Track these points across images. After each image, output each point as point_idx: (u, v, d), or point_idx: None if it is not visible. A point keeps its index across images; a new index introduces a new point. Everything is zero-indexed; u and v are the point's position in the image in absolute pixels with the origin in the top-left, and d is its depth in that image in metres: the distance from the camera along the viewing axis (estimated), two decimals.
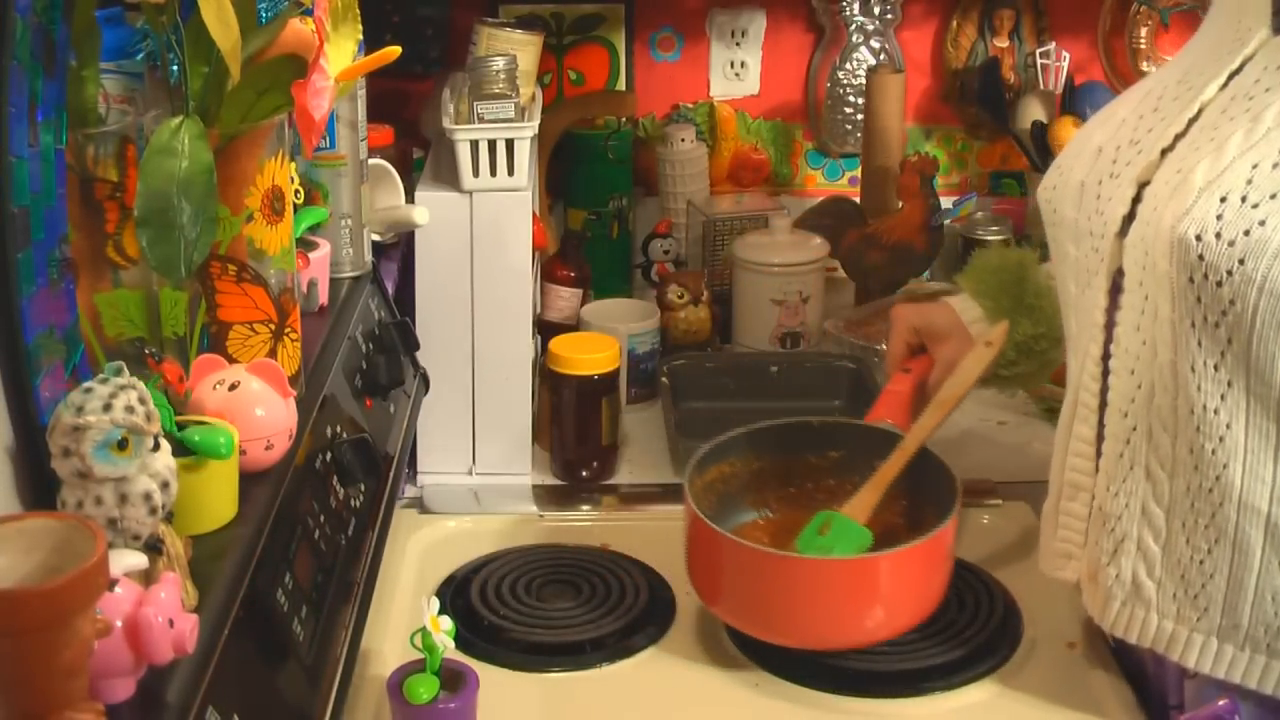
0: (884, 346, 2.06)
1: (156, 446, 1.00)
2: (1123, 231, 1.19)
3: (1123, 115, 1.25)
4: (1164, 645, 1.22)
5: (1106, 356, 1.23)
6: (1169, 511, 1.19)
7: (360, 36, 1.32)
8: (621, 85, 2.48)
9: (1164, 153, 1.17)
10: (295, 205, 1.45)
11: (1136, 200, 1.18)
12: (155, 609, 0.89)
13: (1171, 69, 1.25)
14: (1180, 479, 1.17)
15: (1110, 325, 1.22)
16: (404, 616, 1.51)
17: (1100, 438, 1.26)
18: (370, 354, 1.63)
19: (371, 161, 1.74)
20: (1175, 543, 1.19)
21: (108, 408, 0.96)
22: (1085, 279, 1.25)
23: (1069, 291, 1.30)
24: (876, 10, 2.47)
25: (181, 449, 1.08)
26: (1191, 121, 1.17)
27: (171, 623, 0.90)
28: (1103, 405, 1.25)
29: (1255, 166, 1.08)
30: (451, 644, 1.28)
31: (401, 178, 1.84)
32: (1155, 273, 1.13)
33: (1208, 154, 1.12)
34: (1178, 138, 1.17)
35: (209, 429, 1.11)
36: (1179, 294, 1.11)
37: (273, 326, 1.28)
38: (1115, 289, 1.21)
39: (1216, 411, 1.13)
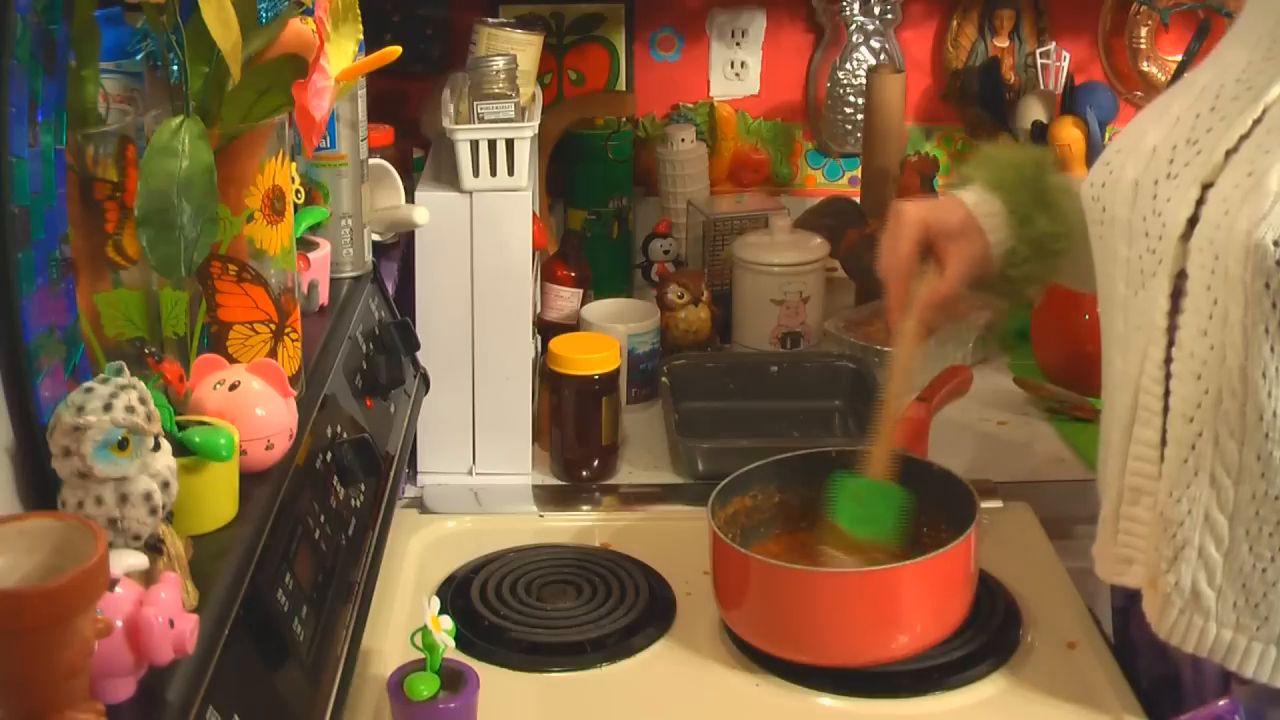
0: (883, 347, 2.07)
1: (157, 446, 1.00)
2: (1186, 234, 1.16)
3: (1177, 113, 1.22)
4: (1221, 654, 1.20)
5: (1167, 360, 1.21)
6: (1232, 519, 1.17)
7: (360, 36, 1.32)
8: (621, 85, 2.48)
9: (1227, 154, 1.15)
10: (296, 205, 1.45)
11: (1199, 202, 1.16)
12: (156, 609, 0.89)
13: (1227, 66, 1.22)
14: (1246, 486, 1.16)
15: (1172, 329, 1.19)
16: (404, 616, 1.51)
17: (1163, 442, 1.23)
18: (370, 354, 1.63)
19: (371, 161, 1.74)
20: (1238, 551, 1.17)
21: (108, 408, 0.96)
22: (1139, 280, 1.23)
23: (1117, 291, 1.27)
24: (876, 10, 2.47)
25: (182, 449, 1.08)
26: (1256, 123, 1.15)
27: (172, 623, 0.90)
28: (1163, 409, 1.22)
29: None
30: (452, 643, 1.28)
31: (401, 178, 1.84)
32: (1227, 277, 1.11)
33: None
34: (1242, 139, 1.15)
35: (209, 430, 1.11)
36: (1253, 299, 1.10)
37: (273, 326, 1.28)
38: (1175, 292, 1.19)
39: None
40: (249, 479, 1.17)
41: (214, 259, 1.22)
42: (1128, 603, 1.40)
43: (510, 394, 1.85)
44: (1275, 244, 1.07)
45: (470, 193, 1.79)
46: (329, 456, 1.37)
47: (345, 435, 1.42)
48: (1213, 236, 1.13)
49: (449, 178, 1.81)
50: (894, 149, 2.39)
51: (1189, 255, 1.16)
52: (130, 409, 0.97)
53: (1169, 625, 1.24)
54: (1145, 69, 2.49)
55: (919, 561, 1.41)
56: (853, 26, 2.48)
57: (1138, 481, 1.26)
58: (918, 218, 1.46)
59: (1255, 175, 1.11)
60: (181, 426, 1.11)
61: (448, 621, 1.28)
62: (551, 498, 1.84)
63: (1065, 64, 2.44)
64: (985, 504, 1.53)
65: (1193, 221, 1.16)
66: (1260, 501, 1.15)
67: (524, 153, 1.78)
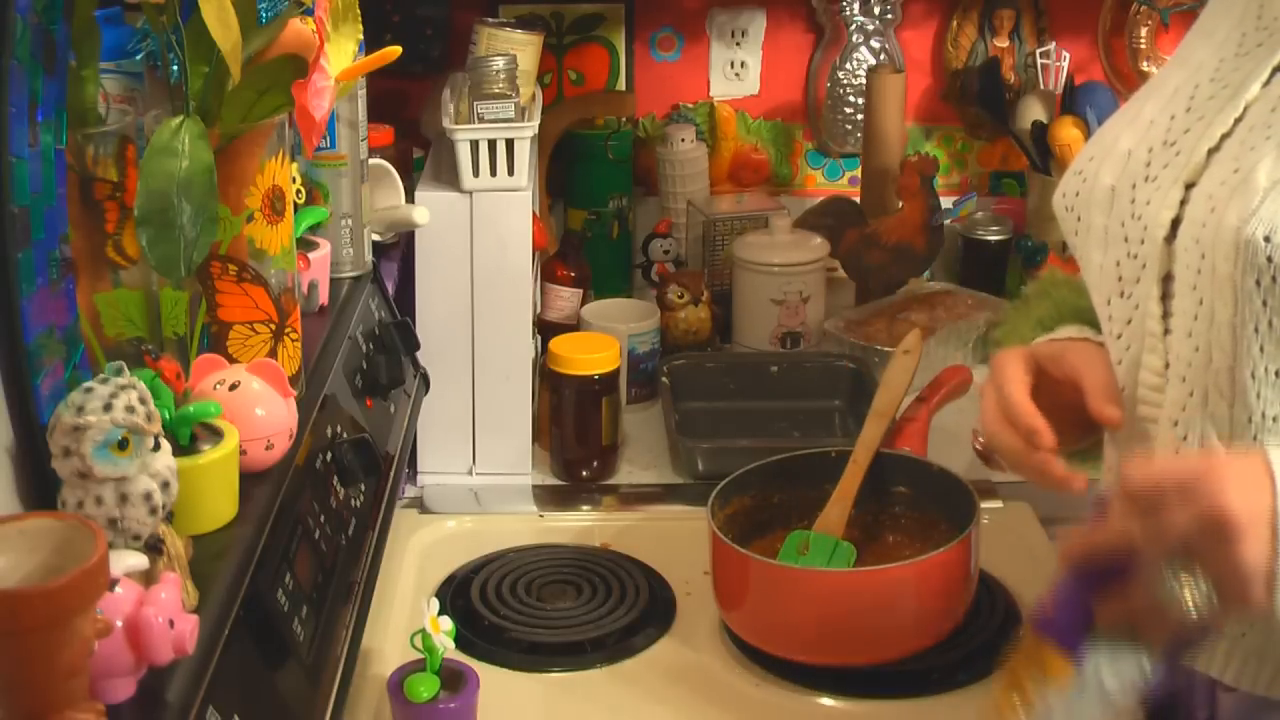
0: (883, 347, 2.07)
1: (157, 446, 1.00)
2: (1170, 236, 1.14)
3: (1150, 116, 1.20)
4: (1203, 663, 1.18)
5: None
6: None
7: (360, 36, 1.32)
8: (621, 85, 2.47)
9: (1210, 153, 1.14)
10: (296, 205, 1.45)
11: (1182, 203, 1.14)
12: (156, 609, 0.89)
13: (1199, 65, 1.21)
14: None
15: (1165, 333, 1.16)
16: (404, 616, 1.51)
17: None
18: (370, 354, 1.63)
19: (371, 161, 1.74)
20: None
21: (108, 408, 0.96)
22: (1116, 287, 1.20)
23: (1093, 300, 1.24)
24: (876, 10, 2.47)
25: (181, 449, 1.08)
26: (1237, 121, 1.14)
27: (172, 623, 0.90)
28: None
29: None
30: (451, 645, 1.28)
31: (401, 178, 1.84)
32: (1214, 276, 1.09)
33: (1268, 152, 1.08)
34: (1224, 137, 1.13)
35: (199, 402, 1.11)
36: (1243, 297, 1.07)
37: (273, 326, 1.28)
38: (1164, 295, 1.16)
39: (1276, 419, 1.09)
40: (249, 479, 1.17)
41: (214, 259, 1.22)
42: None
43: (510, 394, 1.85)
44: (1265, 240, 1.05)
45: (470, 193, 1.79)
46: (329, 456, 1.37)
47: (345, 435, 1.42)
48: (1199, 235, 1.11)
49: (449, 178, 1.81)
50: (894, 149, 2.39)
51: (1174, 256, 1.14)
52: (130, 409, 0.97)
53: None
54: (1145, 69, 2.49)
55: (919, 561, 1.41)
56: (853, 26, 2.47)
57: None
58: (1020, 352, 1.24)
59: (1242, 172, 1.09)
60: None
61: (447, 623, 1.28)
62: (551, 498, 1.84)
63: (1065, 64, 2.44)
64: (985, 504, 1.53)
65: (1175, 223, 1.15)
66: None
67: (524, 153, 1.78)
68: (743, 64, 2.50)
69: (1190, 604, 1.02)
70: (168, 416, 1.08)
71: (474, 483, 1.86)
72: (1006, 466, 1.22)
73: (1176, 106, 1.19)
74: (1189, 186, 1.14)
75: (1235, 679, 1.17)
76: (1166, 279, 1.16)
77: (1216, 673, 1.18)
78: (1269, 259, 1.05)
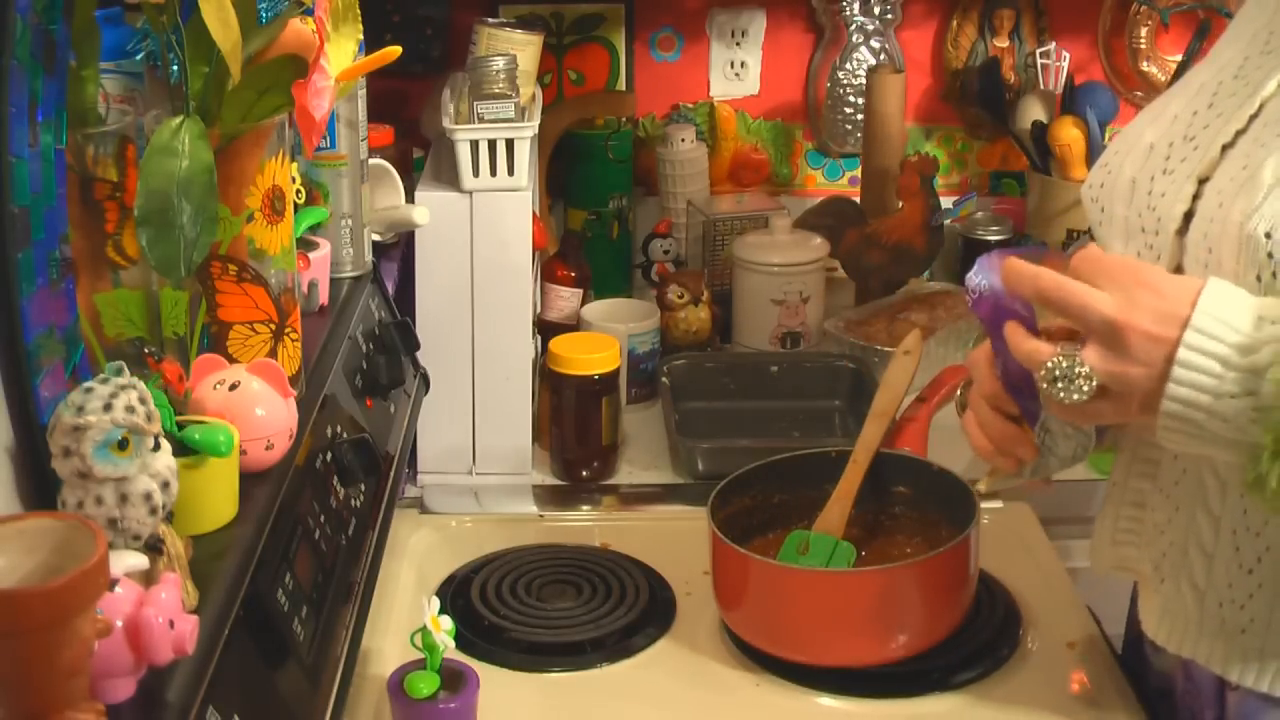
0: (883, 347, 2.07)
1: (157, 446, 1.00)
2: (1182, 229, 1.16)
3: (1174, 111, 1.22)
4: (1204, 658, 1.19)
5: None
6: (1219, 520, 1.16)
7: (360, 36, 1.32)
8: (621, 85, 2.47)
9: (1224, 149, 1.15)
10: (296, 205, 1.45)
11: (1195, 197, 1.15)
12: (156, 609, 0.89)
13: (1224, 64, 1.22)
14: (1234, 487, 1.14)
15: None
16: (404, 616, 1.51)
17: None
18: (370, 354, 1.63)
19: (371, 161, 1.74)
20: (1224, 553, 1.16)
21: (108, 408, 0.96)
22: None
23: None
24: (876, 10, 2.47)
25: (182, 449, 1.08)
26: (1252, 118, 1.15)
27: (172, 623, 0.90)
28: None
29: None
30: (452, 644, 1.28)
31: (401, 178, 1.84)
32: (1220, 270, 1.10)
33: (1276, 149, 1.09)
34: (1239, 134, 1.14)
35: (209, 427, 1.11)
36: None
37: (273, 326, 1.28)
38: None
39: None
40: (249, 479, 1.17)
41: (214, 259, 1.22)
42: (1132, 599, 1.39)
43: (510, 394, 1.85)
44: (1267, 236, 1.06)
45: (470, 193, 1.79)
46: (329, 456, 1.37)
47: (345, 435, 1.42)
48: (1207, 230, 1.12)
49: (449, 178, 1.81)
50: (894, 149, 2.39)
51: (1185, 250, 1.16)
52: (130, 409, 0.97)
53: (1154, 627, 1.23)
54: (1145, 69, 2.49)
55: (919, 561, 1.41)
56: (853, 26, 2.47)
57: (1139, 484, 1.25)
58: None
59: (1250, 168, 1.11)
60: (181, 426, 1.11)
61: (447, 621, 1.28)
62: (551, 498, 1.84)
63: (1065, 64, 2.44)
64: (985, 504, 1.53)
65: (1189, 217, 1.16)
66: (1248, 502, 1.14)
67: (524, 153, 1.78)
68: (743, 64, 2.50)
69: (1066, 389, 1.08)
70: (171, 428, 1.08)
71: (474, 483, 1.87)
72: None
73: (1199, 103, 1.20)
74: (1202, 181, 1.15)
75: (1239, 677, 1.17)
76: (1178, 271, 1.16)
77: (1219, 670, 1.18)
78: (1270, 255, 1.06)
